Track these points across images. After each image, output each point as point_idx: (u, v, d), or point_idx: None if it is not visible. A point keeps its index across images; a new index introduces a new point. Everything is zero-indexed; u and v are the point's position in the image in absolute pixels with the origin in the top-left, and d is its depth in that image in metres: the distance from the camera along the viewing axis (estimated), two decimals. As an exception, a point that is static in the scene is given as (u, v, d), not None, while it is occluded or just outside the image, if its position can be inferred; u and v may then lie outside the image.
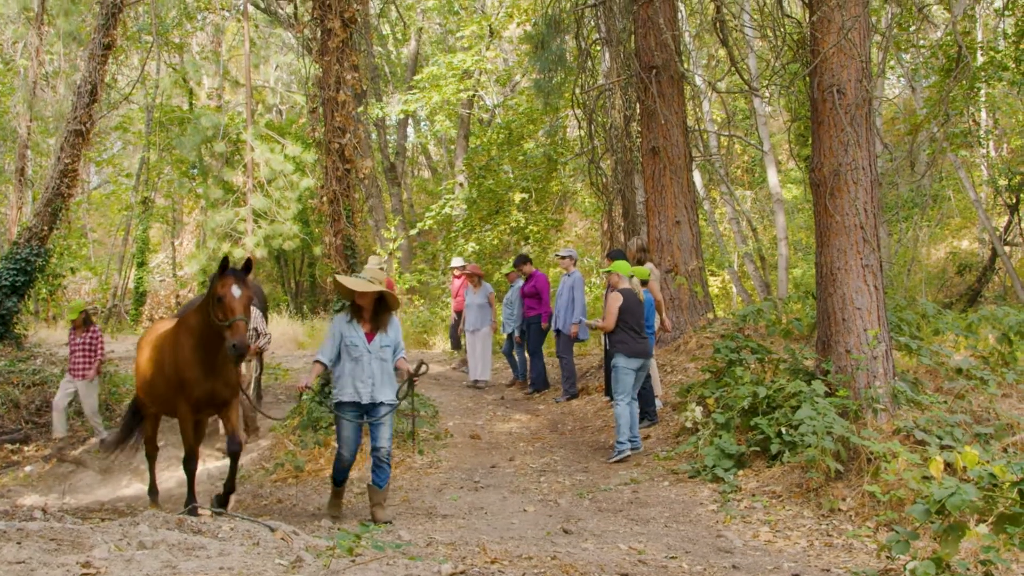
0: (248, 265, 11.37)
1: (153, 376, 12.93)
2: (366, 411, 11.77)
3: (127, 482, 16.01)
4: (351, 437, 11.81)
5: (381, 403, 11.73)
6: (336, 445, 12.34)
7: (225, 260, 11.26)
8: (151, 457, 14.09)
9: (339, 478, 12.07)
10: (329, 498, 12.40)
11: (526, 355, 22.06)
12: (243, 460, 15.74)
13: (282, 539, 7.81)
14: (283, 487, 14.24)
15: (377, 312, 11.79)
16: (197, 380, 11.98)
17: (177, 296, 44.88)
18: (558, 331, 19.70)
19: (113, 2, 20.53)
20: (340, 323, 11.90)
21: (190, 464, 12.52)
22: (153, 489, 13.84)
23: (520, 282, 21.66)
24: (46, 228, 21.38)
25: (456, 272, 25.37)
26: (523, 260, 21.88)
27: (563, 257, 20.26)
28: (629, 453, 14.58)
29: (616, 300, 14.62)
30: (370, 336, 11.76)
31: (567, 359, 20.09)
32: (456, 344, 26.12)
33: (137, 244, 43.85)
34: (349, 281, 11.88)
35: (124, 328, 40.78)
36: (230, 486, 12.52)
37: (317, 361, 11.82)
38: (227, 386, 12.27)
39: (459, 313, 24.17)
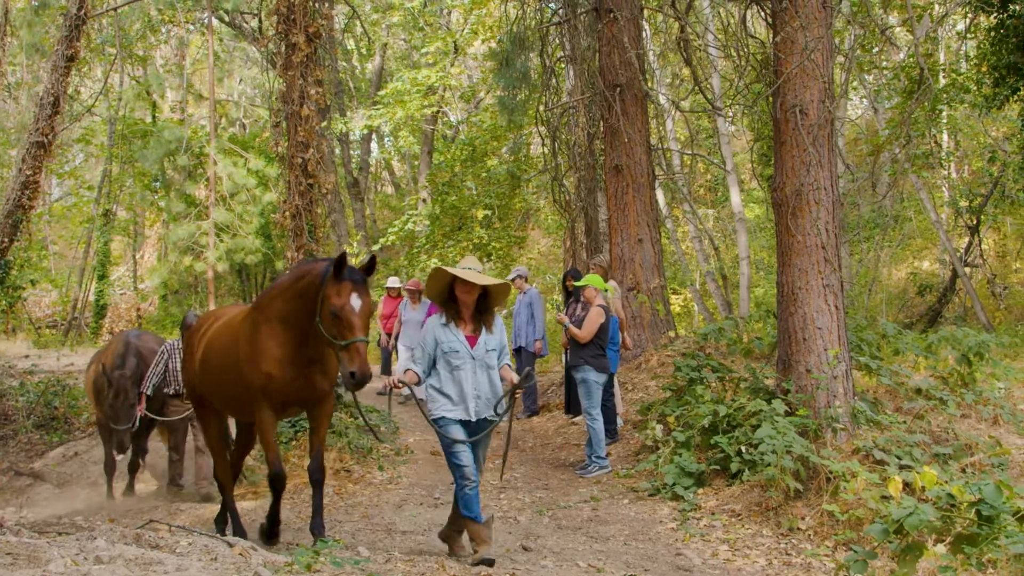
0: (371, 266, 9.72)
1: (219, 372, 11.08)
2: (470, 428, 9.88)
3: (85, 496, 15.91)
4: (471, 461, 9.69)
5: (484, 419, 9.92)
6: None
7: (342, 258, 9.46)
8: (226, 483, 11.96)
9: (475, 507, 9.69)
10: (472, 538, 9.69)
11: None
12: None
13: (240, 554, 7.77)
14: (241, 502, 14.15)
15: (479, 310, 9.96)
16: (284, 379, 10.23)
17: (138, 309, 44.71)
18: (518, 349, 19.64)
19: (77, 14, 20.45)
20: (434, 327, 10.03)
21: (278, 483, 10.56)
22: (227, 516, 11.84)
23: None
24: (6, 240, 21.25)
25: (392, 292, 23.80)
26: None
27: (514, 279, 20.19)
28: (610, 469, 14.61)
29: (600, 316, 14.61)
30: (472, 340, 9.95)
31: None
32: (387, 368, 24.53)
33: (98, 257, 43.63)
34: (461, 272, 9.75)
35: (84, 341, 40.56)
36: (275, 518, 10.70)
37: (410, 370, 9.87)
38: (324, 379, 10.50)
39: (390, 334, 23.23)
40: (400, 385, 9.77)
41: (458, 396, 9.82)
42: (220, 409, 11.76)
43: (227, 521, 11.76)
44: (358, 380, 9.10)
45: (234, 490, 12.07)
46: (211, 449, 12.28)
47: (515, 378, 10.02)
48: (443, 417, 9.79)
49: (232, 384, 10.79)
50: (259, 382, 10.23)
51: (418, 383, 9.81)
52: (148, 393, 15.16)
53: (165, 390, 15.26)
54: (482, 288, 9.87)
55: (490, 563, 9.28)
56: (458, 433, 9.75)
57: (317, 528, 10.35)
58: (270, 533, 10.67)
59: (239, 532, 11.28)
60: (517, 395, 10.13)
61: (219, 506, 12.09)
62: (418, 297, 21.81)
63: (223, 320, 11.63)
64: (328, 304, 9.37)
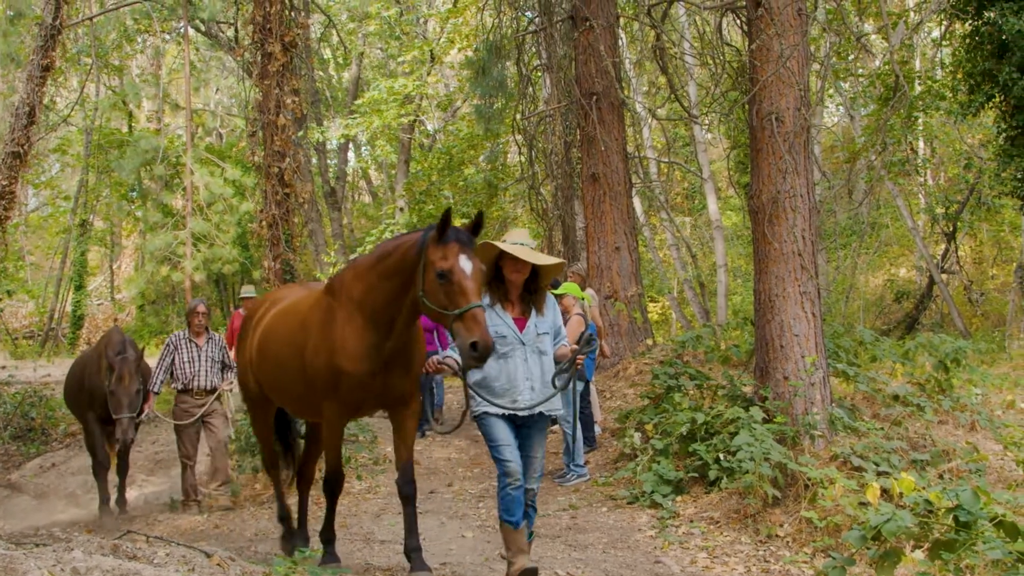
0: (478, 224, 8.38)
1: (280, 365, 9.90)
2: (518, 424, 8.70)
3: (63, 507, 15.87)
4: (516, 458, 8.52)
5: (540, 414, 8.71)
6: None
7: (446, 217, 8.20)
8: (274, 475, 11.43)
9: (517, 512, 8.52)
10: (508, 547, 8.65)
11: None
12: (175, 487, 15.60)
13: (218, 565, 7.75)
14: (219, 512, 14.15)
15: (528, 290, 8.71)
16: (361, 377, 8.89)
17: (115, 319, 44.59)
18: None
19: (52, 24, 20.41)
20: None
21: (334, 484, 9.70)
22: (284, 515, 11.19)
23: None
24: (-18, 250, 21.21)
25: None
26: None
27: None
28: (588, 477, 14.59)
29: (580, 326, 14.48)
30: (521, 323, 8.73)
31: None
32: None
33: (75, 267, 43.49)
34: (511, 247, 8.52)
35: (61, 352, 40.45)
36: (330, 524, 9.95)
37: (450, 356, 8.50)
38: (407, 377, 9.15)
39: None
40: (443, 366, 8.44)
41: (506, 387, 8.56)
42: (281, 406, 10.82)
43: (288, 518, 11.15)
44: (481, 352, 7.65)
45: (307, 492, 11.32)
46: (259, 437, 11.57)
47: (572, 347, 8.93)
48: (485, 415, 8.60)
49: (296, 380, 9.62)
50: (330, 379, 8.97)
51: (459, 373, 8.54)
52: (156, 391, 14.92)
53: (173, 385, 14.97)
54: (532, 267, 8.67)
55: (533, 573, 8.43)
56: (503, 432, 8.56)
57: (415, 557, 8.91)
58: (326, 540, 9.93)
59: (302, 526, 10.95)
60: (578, 362, 8.69)
61: (230, 514, 11.99)
62: None
63: (286, 304, 10.43)
64: (433, 269, 8.05)
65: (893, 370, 15.06)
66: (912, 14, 28.74)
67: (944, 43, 25.65)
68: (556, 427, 17.09)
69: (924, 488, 8.55)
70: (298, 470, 11.43)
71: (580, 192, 22.93)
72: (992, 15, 19.44)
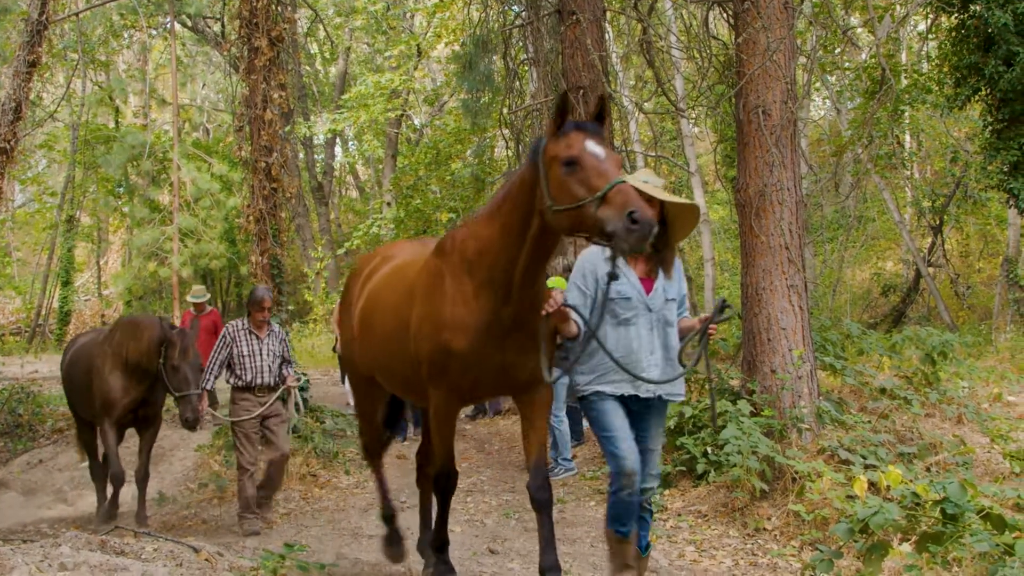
0: (601, 113, 6.79)
1: (384, 338, 8.25)
2: (632, 409, 7.47)
3: (50, 503, 15.82)
4: (635, 454, 7.31)
5: (659, 397, 7.46)
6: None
7: (563, 102, 6.69)
8: (375, 465, 10.04)
9: (630, 520, 7.51)
10: (612, 560, 7.76)
11: None
12: (163, 482, 15.58)
13: (206, 560, 7.75)
14: (208, 507, 14.13)
15: (655, 246, 6.80)
16: (474, 354, 7.17)
17: (103, 315, 44.53)
18: None
19: (38, 19, 20.34)
20: (593, 260, 7.42)
21: (444, 481, 8.06)
22: (389, 513, 9.80)
23: None
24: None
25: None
26: None
27: None
28: (576, 471, 14.58)
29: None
30: (648, 284, 7.43)
31: None
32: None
33: (62, 263, 43.45)
34: (638, 182, 6.97)
35: (48, 348, 40.39)
36: (443, 526, 8.45)
37: (568, 305, 7.22)
38: (530, 353, 7.23)
39: None
40: (567, 309, 7.17)
41: (626, 363, 7.19)
42: (389, 389, 9.04)
43: (393, 516, 9.77)
44: (642, 223, 5.73)
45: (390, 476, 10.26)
46: (362, 421, 10.09)
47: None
48: (597, 394, 7.37)
49: (399, 357, 7.96)
50: (437, 359, 7.32)
51: (576, 337, 7.26)
52: (209, 388, 13.27)
53: (229, 382, 13.21)
54: (661, 210, 7.15)
55: None
56: (620, 419, 7.34)
57: (551, 569, 7.39)
58: (437, 545, 8.44)
59: (439, 527, 8.60)
60: (712, 331, 7.25)
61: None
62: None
63: (396, 263, 8.69)
64: (557, 165, 6.34)
65: (880, 363, 15.08)
66: (898, 7, 28.66)
67: (930, 36, 25.69)
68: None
69: (911, 481, 8.58)
70: (418, 463, 9.84)
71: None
72: (978, 8, 19.49)
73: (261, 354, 13.05)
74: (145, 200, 38.69)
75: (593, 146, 6.32)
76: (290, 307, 20.11)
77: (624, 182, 6.07)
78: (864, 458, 11.16)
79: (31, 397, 19.77)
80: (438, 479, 8.00)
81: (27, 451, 18.12)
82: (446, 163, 35.76)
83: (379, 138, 39.95)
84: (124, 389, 12.99)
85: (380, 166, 44.32)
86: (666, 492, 12.43)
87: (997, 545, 6.87)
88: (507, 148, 25.98)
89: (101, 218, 46.64)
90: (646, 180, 7.15)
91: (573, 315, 7.18)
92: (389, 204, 37.70)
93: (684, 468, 12.58)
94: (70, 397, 14.74)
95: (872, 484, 9.72)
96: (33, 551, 7.13)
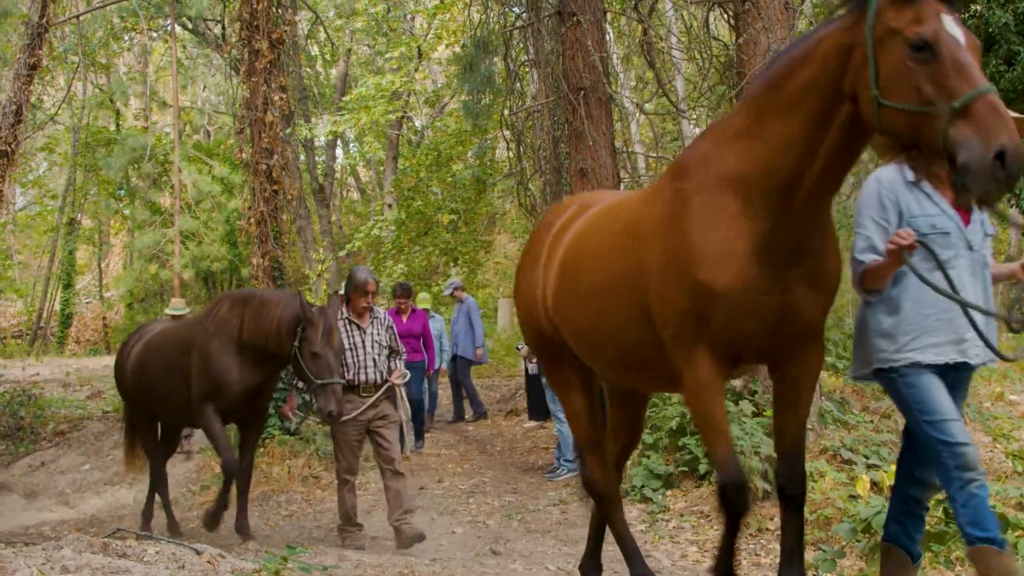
0: None
1: (598, 295, 6.31)
2: (955, 378, 5.94)
3: (52, 506, 15.82)
4: (968, 435, 5.77)
5: (966, 363, 5.86)
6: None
7: None
8: (592, 461, 7.75)
9: (991, 523, 5.65)
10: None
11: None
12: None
13: (208, 562, 7.74)
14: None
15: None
16: (749, 294, 5.36)
17: (104, 318, 44.50)
18: (455, 357, 20.04)
19: (39, 22, 20.35)
20: (891, 185, 5.98)
21: (735, 496, 5.81)
22: (624, 532, 8.02)
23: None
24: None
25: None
26: (403, 292, 18.35)
27: (452, 292, 21.02)
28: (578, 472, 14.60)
29: None
30: (964, 215, 5.95)
31: (468, 383, 20.25)
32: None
33: (63, 266, 43.37)
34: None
35: (50, 351, 40.38)
36: (729, 552, 6.22)
37: (862, 261, 6.03)
38: (818, 290, 5.76)
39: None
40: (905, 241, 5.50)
41: (945, 320, 5.76)
42: (595, 367, 7.02)
43: (596, 546, 8.56)
44: (1013, 169, 4.25)
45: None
46: (565, 407, 7.68)
47: None
48: (914, 365, 5.79)
49: (625, 321, 6.11)
50: (691, 308, 5.45)
51: (882, 288, 5.97)
52: (300, 386, 11.74)
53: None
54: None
55: None
56: (944, 397, 5.75)
57: None
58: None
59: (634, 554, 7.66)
60: None
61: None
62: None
63: (601, 208, 6.89)
64: (900, 44, 4.67)
65: (882, 363, 15.07)
66: (899, 7, 28.68)
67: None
68: (548, 421, 17.12)
69: (913, 480, 8.57)
70: (614, 463, 7.99)
71: (568, 187, 22.91)
72: (978, 8, 19.44)
73: (364, 346, 11.42)
74: (146, 203, 38.75)
75: (953, 26, 4.67)
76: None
77: (994, 91, 4.50)
78: (866, 458, 11.17)
79: (33, 400, 19.76)
80: (724, 491, 5.82)
81: (29, 454, 18.12)
82: (447, 164, 35.72)
83: (380, 140, 39.87)
84: (240, 373, 11.34)
85: (381, 168, 44.25)
86: (668, 493, 12.43)
87: (999, 544, 6.86)
88: (508, 149, 26.02)
89: (102, 221, 46.55)
90: None
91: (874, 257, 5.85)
92: (390, 206, 37.66)
93: (686, 468, 12.57)
94: (135, 396, 12.91)
95: (874, 484, 9.73)
96: (35, 554, 7.12)
